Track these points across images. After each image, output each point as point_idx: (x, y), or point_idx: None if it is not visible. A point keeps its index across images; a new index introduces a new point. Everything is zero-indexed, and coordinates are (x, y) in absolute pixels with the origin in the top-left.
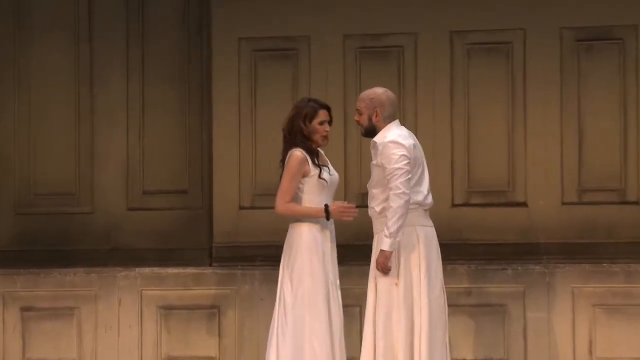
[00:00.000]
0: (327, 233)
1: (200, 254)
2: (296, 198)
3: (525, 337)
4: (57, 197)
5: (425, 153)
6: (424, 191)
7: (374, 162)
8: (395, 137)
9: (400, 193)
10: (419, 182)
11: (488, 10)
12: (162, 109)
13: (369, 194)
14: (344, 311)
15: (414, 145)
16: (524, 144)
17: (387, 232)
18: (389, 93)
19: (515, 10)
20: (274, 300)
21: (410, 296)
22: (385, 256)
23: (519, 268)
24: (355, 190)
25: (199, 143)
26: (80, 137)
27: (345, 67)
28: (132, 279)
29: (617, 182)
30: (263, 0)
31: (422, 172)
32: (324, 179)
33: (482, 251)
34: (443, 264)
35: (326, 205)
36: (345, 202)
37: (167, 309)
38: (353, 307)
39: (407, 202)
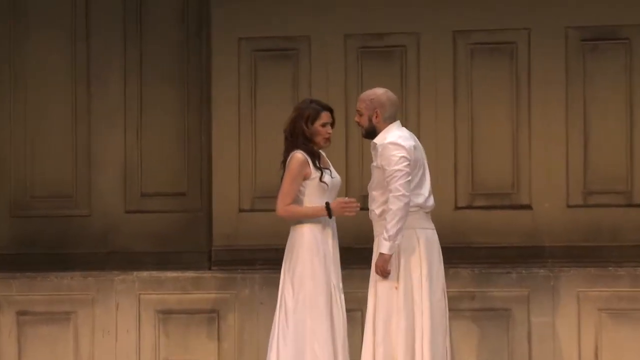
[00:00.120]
0: (329, 232)
1: (199, 257)
2: (297, 201)
3: (529, 342)
4: (54, 200)
5: (427, 154)
6: (424, 193)
7: (374, 163)
8: (395, 138)
9: (399, 195)
10: (419, 184)
11: (492, 10)
12: (161, 109)
13: (369, 196)
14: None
15: (415, 147)
16: (529, 145)
17: (386, 235)
18: (390, 94)
19: (520, 9)
20: (274, 304)
21: (411, 300)
22: (384, 259)
23: (524, 271)
24: (356, 191)
25: (198, 144)
26: (78, 138)
27: (346, 67)
28: (130, 282)
29: (623, 184)
30: (263, 0)
31: (423, 174)
32: (325, 182)
33: (486, 254)
34: (446, 268)
35: (327, 203)
36: (346, 198)
37: (166, 313)
38: (355, 311)
39: (407, 204)
